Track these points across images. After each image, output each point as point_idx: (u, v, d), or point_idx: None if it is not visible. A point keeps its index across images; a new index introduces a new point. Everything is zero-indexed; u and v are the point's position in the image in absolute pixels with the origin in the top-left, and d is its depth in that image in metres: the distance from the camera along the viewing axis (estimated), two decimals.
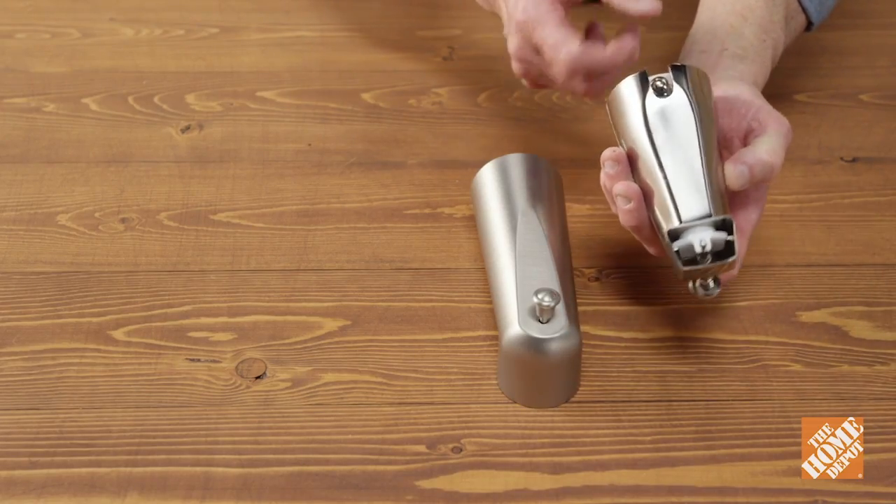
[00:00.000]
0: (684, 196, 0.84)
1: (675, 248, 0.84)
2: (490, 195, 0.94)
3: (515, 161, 0.95)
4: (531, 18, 0.91)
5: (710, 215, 0.83)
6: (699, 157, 0.85)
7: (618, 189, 0.85)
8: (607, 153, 0.86)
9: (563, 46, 0.90)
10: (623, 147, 0.88)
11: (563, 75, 0.92)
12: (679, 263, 0.84)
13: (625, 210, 0.86)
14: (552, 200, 0.94)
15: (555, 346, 0.83)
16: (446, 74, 1.16)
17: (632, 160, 0.87)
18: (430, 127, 1.10)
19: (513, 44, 0.94)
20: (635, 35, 0.91)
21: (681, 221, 0.84)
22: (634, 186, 0.85)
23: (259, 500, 0.80)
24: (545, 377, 0.85)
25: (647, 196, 0.86)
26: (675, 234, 0.84)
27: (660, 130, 0.86)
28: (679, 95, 0.86)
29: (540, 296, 0.83)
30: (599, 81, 0.93)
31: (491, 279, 0.90)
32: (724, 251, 0.84)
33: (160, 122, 1.10)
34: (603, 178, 0.87)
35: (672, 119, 0.86)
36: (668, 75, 0.87)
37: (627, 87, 0.88)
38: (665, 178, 0.85)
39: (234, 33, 1.22)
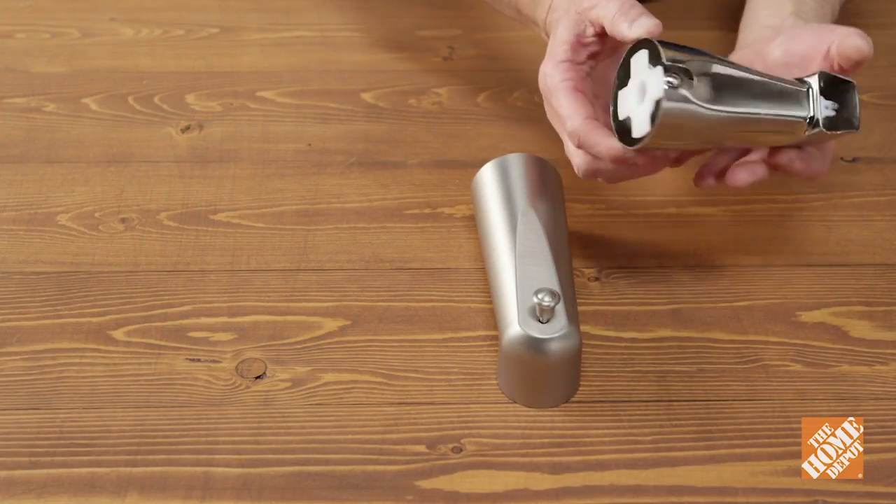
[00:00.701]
0: None
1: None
2: (490, 195, 0.94)
3: (515, 161, 0.95)
4: (547, 87, 0.90)
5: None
6: None
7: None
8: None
9: (569, 119, 0.88)
10: None
11: (569, 147, 0.91)
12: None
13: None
14: (552, 200, 0.94)
15: (555, 346, 0.83)
16: (446, 74, 1.16)
17: None
18: (430, 127, 1.10)
19: (546, 108, 0.92)
20: (643, 157, 0.88)
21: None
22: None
23: (259, 500, 0.80)
24: (545, 377, 0.85)
25: None
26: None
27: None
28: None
29: (540, 296, 0.83)
30: (597, 172, 0.90)
31: (491, 279, 0.90)
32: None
33: (160, 122, 1.10)
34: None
35: None
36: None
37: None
38: None
39: (234, 33, 1.22)
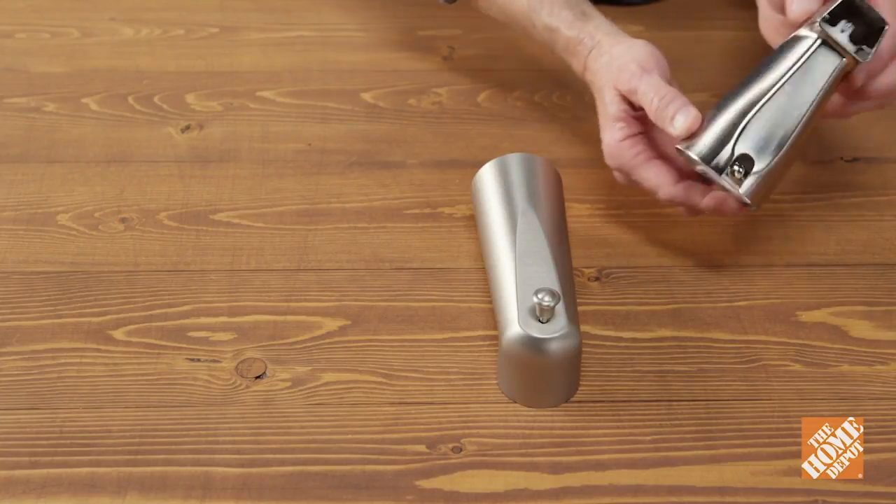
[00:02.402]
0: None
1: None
2: (490, 195, 0.94)
3: (515, 161, 0.95)
4: (623, 167, 0.94)
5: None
6: None
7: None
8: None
9: (660, 190, 0.93)
10: None
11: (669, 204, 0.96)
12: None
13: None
14: (552, 200, 0.94)
15: (555, 346, 0.83)
16: (446, 74, 1.16)
17: None
18: (430, 127, 1.10)
19: (617, 178, 0.97)
20: (736, 200, 0.92)
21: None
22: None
23: (259, 500, 0.80)
24: (545, 377, 0.85)
25: None
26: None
27: None
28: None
29: (540, 296, 0.83)
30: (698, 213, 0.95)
31: (491, 279, 0.90)
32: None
33: (160, 121, 1.10)
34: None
35: None
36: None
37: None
38: None
39: (234, 33, 1.22)
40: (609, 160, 0.95)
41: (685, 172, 0.93)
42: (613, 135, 0.93)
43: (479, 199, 0.95)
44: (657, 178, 0.93)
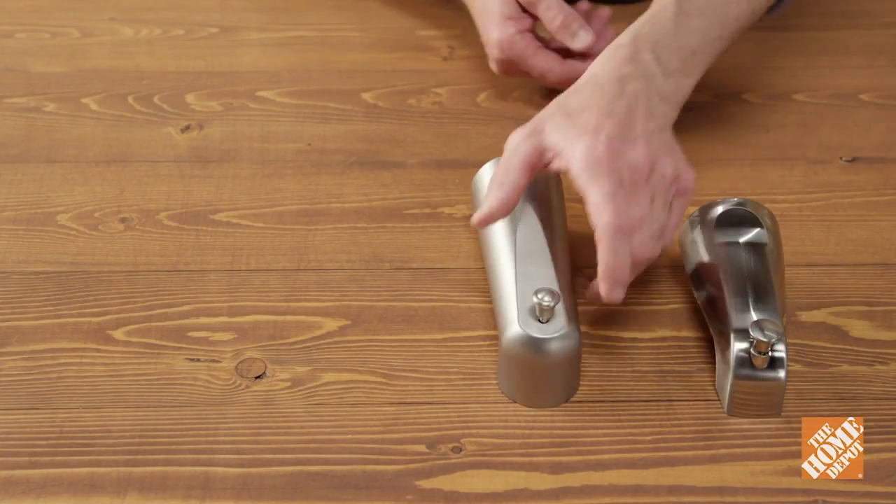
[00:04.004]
0: None
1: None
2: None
3: None
4: (514, 57, 1.07)
5: None
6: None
7: None
8: None
9: (549, 74, 1.07)
10: None
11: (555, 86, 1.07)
12: None
13: None
14: (552, 200, 0.94)
15: (554, 346, 0.83)
16: (446, 74, 1.16)
17: None
18: (430, 127, 1.10)
19: (497, 67, 1.10)
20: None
21: None
22: None
23: (259, 499, 0.80)
24: (545, 377, 0.85)
25: None
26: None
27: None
28: None
29: (540, 296, 0.83)
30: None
31: (491, 279, 0.90)
32: None
33: (160, 121, 1.10)
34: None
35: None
36: None
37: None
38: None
39: (234, 33, 1.22)
40: (500, 53, 1.07)
41: (565, 53, 1.08)
42: (507, 30, 1.07)
43: (480, 198, 0.95)
44: (547, 64, 1.07)
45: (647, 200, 0.86)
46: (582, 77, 0.93)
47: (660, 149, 0.88)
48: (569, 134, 0.87)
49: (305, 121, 1.11)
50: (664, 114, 0.91)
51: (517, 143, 0.89)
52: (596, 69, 0.92)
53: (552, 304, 0.83)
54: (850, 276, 0.96)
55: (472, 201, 0.98)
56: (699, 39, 0.96)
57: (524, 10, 1.08)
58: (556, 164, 0.87)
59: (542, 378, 0.85)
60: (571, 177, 0.86)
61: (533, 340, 0.83)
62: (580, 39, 1.06)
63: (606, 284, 0.84)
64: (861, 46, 1.20)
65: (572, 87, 0.92)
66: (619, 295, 0.84)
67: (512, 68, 1.09)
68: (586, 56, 1.06)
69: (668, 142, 0.89)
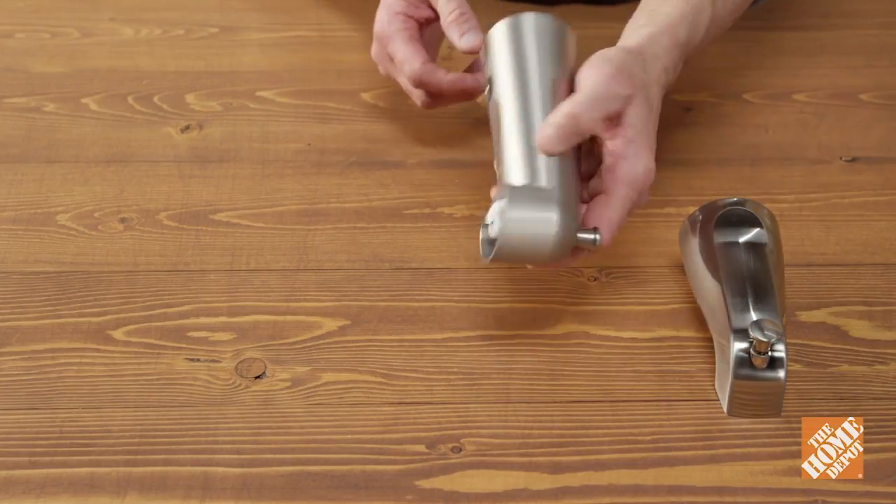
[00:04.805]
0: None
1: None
2: (505, 59, 0.92)
3: (530, 23, 0.92)
4: (385, 33, 1.01)
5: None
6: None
7: None
8: None
9: (407, 63, 1.00)
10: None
11: (406, 85, 1.02)
12: None
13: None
14: (567, 72, 0.91)
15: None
16: None
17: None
18: (430, 127, 1.10)
19: (373, 49, 1.04)
20: (476, 78, 1.00)
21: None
22: None
23: (259, 500, 0.80)
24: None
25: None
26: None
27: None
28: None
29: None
30: (436, 100, 1.02)
31: (496, 131, 0.89)
32: None
33: (160, 121, 1.10)
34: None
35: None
36: None
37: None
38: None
39: (234, 33, 1.22)
40: (377, 25, 1.02)
41: (433, 58, 1.03)
42: (394, 6, 1.02)
43: (493, 59, 0.93)
44: (409, 55, 1.00)
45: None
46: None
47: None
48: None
49: (305, 121, 1.11)
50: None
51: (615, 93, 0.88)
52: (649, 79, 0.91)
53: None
54: (849, 276, 0.96)
55: (482, 56, 0.96)
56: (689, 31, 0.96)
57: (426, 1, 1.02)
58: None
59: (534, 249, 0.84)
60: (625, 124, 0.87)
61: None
62: (467, 40, 0.98)
63: (607, 235, 0.86)
64: (861, 46, 1.20)
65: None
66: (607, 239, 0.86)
67: (381, 52, 1.03)
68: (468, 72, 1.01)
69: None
